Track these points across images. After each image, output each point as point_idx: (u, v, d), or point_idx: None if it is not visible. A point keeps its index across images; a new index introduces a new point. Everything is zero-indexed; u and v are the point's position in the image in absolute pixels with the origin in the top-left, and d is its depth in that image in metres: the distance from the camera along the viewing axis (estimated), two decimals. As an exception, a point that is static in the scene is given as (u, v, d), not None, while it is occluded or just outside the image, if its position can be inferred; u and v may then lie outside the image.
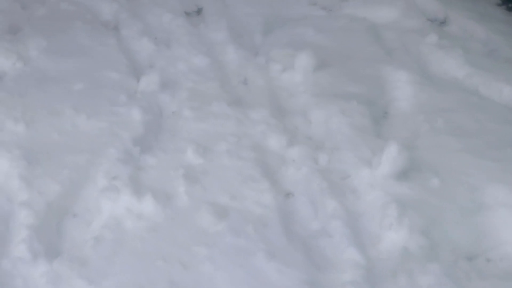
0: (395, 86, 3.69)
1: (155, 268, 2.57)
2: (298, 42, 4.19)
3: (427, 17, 4.53)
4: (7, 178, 3.05)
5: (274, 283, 2.48)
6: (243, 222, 2.73)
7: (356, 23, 4.40)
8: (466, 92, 3.65)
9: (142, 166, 3.13)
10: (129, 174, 3.05)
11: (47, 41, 4.22)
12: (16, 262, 2.57)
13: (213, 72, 3.92)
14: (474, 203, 2.85)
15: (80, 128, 3.39)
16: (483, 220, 2.75)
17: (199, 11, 4.85)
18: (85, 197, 2.94)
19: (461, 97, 3.61)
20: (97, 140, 3.30)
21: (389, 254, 2.61)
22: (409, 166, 2.98)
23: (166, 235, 2.72)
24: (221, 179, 3.01)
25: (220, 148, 3.20)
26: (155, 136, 3.40)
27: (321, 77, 3.74)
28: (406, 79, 3.71)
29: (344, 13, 4.64)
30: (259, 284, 2.47)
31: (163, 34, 4.46)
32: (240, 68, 4.01)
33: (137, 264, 2.58)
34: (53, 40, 4.25)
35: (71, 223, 2.84)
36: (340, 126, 3.31)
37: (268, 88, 3.77)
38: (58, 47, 4.18)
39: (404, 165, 2.95)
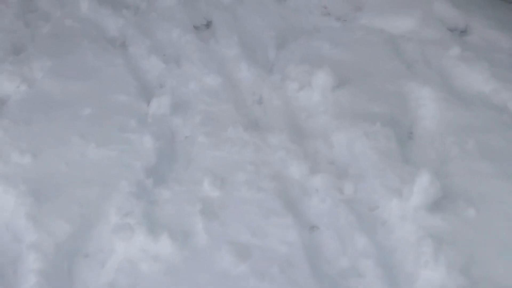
0: (419, 104, 3.50)
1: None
2: (314, 57, 4.00)
3: (447, 26, 4.34)
4: (13, 216, 2.88)
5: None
6: (267, 263, 2.55)
7: (373, 35, 4.20)
8: (494, 109, 3.46)
9: (156, 200, 2.95)
10: (142, 209, 2.87)
11: (52, 61, 4.05)
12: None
13: (226, 92, 3.73)
14: (514, 235, 2.66)
15: (89, 158, 3.22)
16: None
17: (208, 24, 4.67)
18: (97, 237, 2.77)
19: (490, 115, 3.41)
20: (107, 171, 3.12)
21: (426, 295, 2.43)
22: (442, 195, 2.79)
23: (185, 279, 2.55)
24: (241, 214, 2.83)
25: (238, 179, 3.01)
26: (168, 165, 3.23)
27: (340, 95, 3.55)
28: (430, 96, 3.51)
29: (360, 24, 4.44)
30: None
31: (172, 50, 4.28)
32: (255, 87, 3.83)
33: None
34: (58, 60, 4.08)
35: (83, 266, 2.67)
36: (365, 150, 3.12)
37: (285, 108, 3.58)
38: (64, 68, 4.01)
39: (437, 195, 2.76)
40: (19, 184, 3.00)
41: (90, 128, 3.43)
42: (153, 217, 2.84)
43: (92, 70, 4.00)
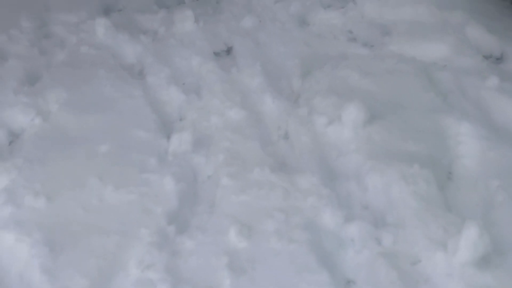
0: (457, 141, 3.27)
1: None
2: (342, 87, 3.79)
3: (482, 53, 4.11)
4: (27, 268, 2.70)
5: None
6: (301, 327, 2.34)
7: (404, 63, 3.98)
8: (540, 148, 3.22)
9: (179, 251, 2.75)
10: (164, 262, 2.67)
11: (68, 92, 3.89)
12: None
13: (251, 128, 3.53)
14: None
15: (107, 202, 3.03)
16: None
17: (228, 51, 4.50)
18: (116, 292, 2.57)
19: (536, 154, 3.17)
20: (126, 218, 2.93)
21: None
22: (491, 249, 2.56)
23: None
24: (271, 269, 2.61)
25: (267, 228, 2.80)
26: (191, 209, 3.03)
27: (373, 132, 3.33)
28: (470, 132, 3.29)
29: (389, 51, 4.23)
30: None
31: (192, 79, 4.11)
32: (280, 121, 3.63)
33: None
34: (74, 91, 3.91)
35: (102, 327, 2.46)
36: (403, 196, 2.90)
37: (313, 145, 3.37)
38: (80, 100, 3.85)
39: (486, 250, 2.53)
40: (33, 231, 2.83)
41: (108, 167, 3.25)
42: (177, 271, 2.65)
43: (109, 102, 3.83)
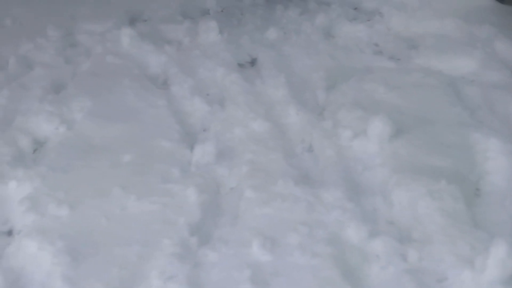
0: (485, 157, 3.21)
1: None
2: (368, 101, 3.75)
3: (510, 68, 4.06)
4: (49, 277, 2.68)
5: None
6: None
7: (432, 77, 3.94)
8: None
9: (201, 263, 2.72)
10: (186, 273, 2.64)
11: (92, 101, 3.90)
12: None
13: (274, 140, 3.50)
14: None
15: (129, 212, 3.01)
16: None
17: (253, 62, 4.49)
18: (138, 303, 2.54)
19: None
20: (149, 228, 2.91)
21: None
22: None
23: None
24: (294, 283, 2.57)
25: (290, 241, 2.76)
26: (213, 221, 3.00)
27: (399, 146, 3.28)
28: (497, 148, 3.23)
29: (415, 64, 4.19)
30: None
31: (216, 90, 4.10)
32: (304, 133, 3.59)
33: None
34: (98, 100, 3.92)
35: (122, 337, 2.43)
36: (429, 212, 2.84)
37: (338, 159, 3.33)
38: (104, 109, 3.85)
39: (515, 268, 2.47)
40: (55, 240, 2.81)
41: (131, 177, 3.23)
42: (199, 283, 2.61)
43: (133, 111, 3.83)
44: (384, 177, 3.13)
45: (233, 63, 4.39)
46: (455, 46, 4.24)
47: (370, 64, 4.27)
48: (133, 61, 4.43)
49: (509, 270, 2.48)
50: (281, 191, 3.05)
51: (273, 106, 3.84)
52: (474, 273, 2.51)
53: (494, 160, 3.19)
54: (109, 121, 3.72)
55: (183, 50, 4.59)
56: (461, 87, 3.84)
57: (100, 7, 5.08)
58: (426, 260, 2.65)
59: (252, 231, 2.83)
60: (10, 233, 2.97)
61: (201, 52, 4.51)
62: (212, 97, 4.02)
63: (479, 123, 3.49)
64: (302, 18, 4.92)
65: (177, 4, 5.25)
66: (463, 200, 2.92)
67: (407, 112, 3.58)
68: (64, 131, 3.65)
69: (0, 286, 2.62)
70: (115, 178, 3.22)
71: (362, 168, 3.24)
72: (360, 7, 5.11)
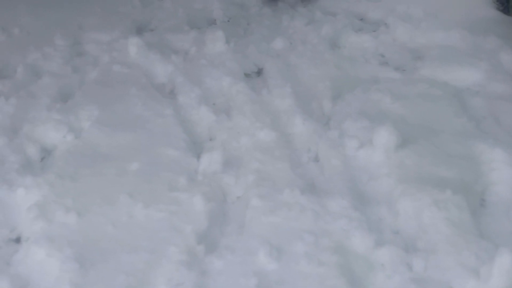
0: (491, 168, 3.23)
1: None
2: (374, 111, 3.77)
3: (516, 79, 4.07)
4: (57, 284, 2.71)
5: None
6: None
7: (437, 88, 3.96)
8: None
9: (208, 271, 2.74)
10: (193, 281, 2.67)
11: (100, 110, 3.92)
12: None
13: (281, 149, 3.52)
14: None
15: (137, 220, 3.04)
16: None
17: (259, 72, 4.52)
18: (145, 311, 2.56)
19: None
20: (156, 236, 2.93)
21: None
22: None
23: None
24: (300, 292, 2.58)
25: (296, 250, 2.78)
26: (220, 229, 3.02)
27: (405, 157, 3.30)
28: (502, 159, 3.24)
29: (421, 75, 4.21)
30: None
31: (222, 100, 4.12)
32: (310, 143, 3.61)
33: None
34: (105, 109, 3.95)
35: None
36: (435, 221, 2.86)
37: (344, 168, 3.35)
38: (111, 118, 3.87)
39: (520, 278, 2.48)
40: (63, 247, 2.84)
41: (138, 185, 3.26)
42: (205, 291, 2.63)
43: (140, 120, 3.85)
44: (389, 187, 3.14)
45: (240, 72, 4.41)
46: (460, 57, 4.26)
47: (376, 74, 4.29)
48: (140, 70, 4.47)
49: (514, 280, 2.49)
50: (288, 200, 3.07)
51: (279, 115, 3.87)
52: (479, 282, 2.53)
53: (499, 171, 3.20)
54: (116, 129, 3.74)
55: (190, 60, 4.62)
56: (466, 98, 3.86)
57: (107, 17, 5.12)
58: (432, 270, 2.67)
59: (258, 239, 2.85)
60: (18, 240, 2.99)
61: (207, 62, 4.53)
62: (219, 106, 4.04)
63: (484, 134, 3.51)
64: (308, 28, 4.95)
65: (184, 14, 5.30)
66: (468, 210, 2.94)
67: (412, 122, 3.60)
68: (71, 139, 3.67)
69: (8, 293, 2.64)
70: (123, 186, 3.24)
71: (367, 177, 3.26)
72: (366, 17, 5.14)
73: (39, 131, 3.70)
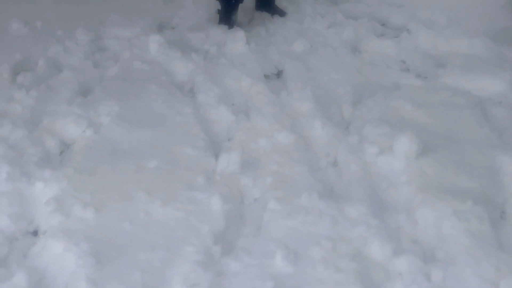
0: (512, 180, 3.18)
1: None
2: (394, 118, 3.74)
3: (539, 91, 4.02)
4: (73, 278, 2.71)
5: None
6: None
7: (459, 97, 3.92)
8: None
9: (224, 272, 2.73)
10: (209, 282, 2.66)
11: (119, 106, 3.93)
12: None
13: (299, 152, 3.50)
14: None
15: (154, 217, 3.03)
16: None
17: (279, 74, 4.50)
18: (160, 310, 2.55)
19: None
20: (173, 234, 2.93)
21: None
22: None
23: None
24: (317, 297, 2.57)
25: (313, 255, 2.76)
26: (237, 231, 3.01)
27: (425, 165, 3.27)
28: (524, 171, 3.20)
29: (443, 83, 4.17)
30: None
31: (241, 100, 4.10)
32: (329, 147, 3.59)
33: None
34: (125, 105, 3.95)
35: None
36: (454, 232, 2.83)
37: (363, 174, 3.32)
38: (131, 114, 3.88)
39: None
40: (80, 242, 2.84)
41: (156, 183, 3.26)
42: (221, 292, 2.62)
43: (160, 117, 3.85)
44: (409, 195, 3.11)
45: (260, 73, 4.40)
46: (484, 66, 4.22)
47: (397, 81, 4.26)
48: (160, 67, 4.46)
49: (535, 295, 2.46)
50: (305, 204, 3.05)
51: (298, 118, 3.85)
52: (498, 296, 2.50)
53: (520, 183, 3.16)
54: (136, 126, 3.74)
55: (210, 59, 4.61)
56: (489, 108, 3.82)
57: (129, 13, 5.13)
58: (450, 281, 2.64)
59: (275, 242, 2.83)
60: (35, 233, 3.00)
61: (227, 62, 4.52)
62: (238, 106, 4.03)
63: (506, 145, 3.47)
64: (330, 31, 4.92)
65: (205, 13, 5.28)
66: (489, 222, 2.90)
67: (434, 130, 3.57)
68: (91, 134, 3.68)
69: (24, 286, 2.65)
70: (140, 183, 3.24)
71: (387, 185, 3.23)
72: (388, 23, 5.10)
73: (58, 124, 3.71)
